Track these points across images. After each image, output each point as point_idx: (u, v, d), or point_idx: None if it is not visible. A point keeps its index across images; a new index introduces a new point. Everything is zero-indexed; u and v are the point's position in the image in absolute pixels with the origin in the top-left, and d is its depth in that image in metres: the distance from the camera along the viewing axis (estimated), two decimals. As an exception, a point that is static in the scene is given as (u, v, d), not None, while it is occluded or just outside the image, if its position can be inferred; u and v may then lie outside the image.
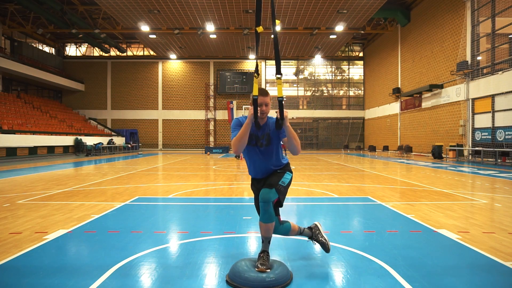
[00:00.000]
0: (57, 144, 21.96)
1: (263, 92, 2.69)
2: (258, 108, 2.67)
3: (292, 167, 13.53)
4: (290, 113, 31.76)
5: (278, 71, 2.61)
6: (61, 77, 29.75)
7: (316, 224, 3.23)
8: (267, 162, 2.85)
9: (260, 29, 2.65)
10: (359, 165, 14.94)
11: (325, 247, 3.11)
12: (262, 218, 2.72)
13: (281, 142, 2.87)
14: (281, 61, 32.82)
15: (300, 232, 3.14)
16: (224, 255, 3.28)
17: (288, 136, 2.67)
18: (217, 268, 2.97)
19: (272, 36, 2.70)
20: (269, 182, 2.78)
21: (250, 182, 3.08)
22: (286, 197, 3.04)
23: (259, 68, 2.73)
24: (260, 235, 3.42)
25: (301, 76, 34.12)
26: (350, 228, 4.38)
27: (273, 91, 28.25)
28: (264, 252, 2.79)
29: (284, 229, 3.02)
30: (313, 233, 3.17)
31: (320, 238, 3.13)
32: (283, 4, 19.52)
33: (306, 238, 3.31)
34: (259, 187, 2.93)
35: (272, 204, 2.72)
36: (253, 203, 3.11)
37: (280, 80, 2.61)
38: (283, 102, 2.60)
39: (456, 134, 18.17)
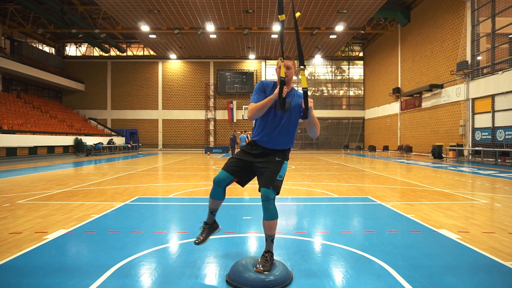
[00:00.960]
0: (57, 144, 21.96)
1: (287, 57, 2.72)
2: (279, 70, 2.68)
3: (292, 167, 13.53)
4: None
5: (302, 62, 2.65)
6: (61, 77, 29.75)
7: (219, 227, 3.19)
8: (278, 130, 2.78)
9: (282, 17, 2.66)
10: (359, 165, 14.94)
11: (198, 238, 3.02)
12: (264, 216, 2.73)
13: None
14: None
15: (211, 212, 3.06)
16: (224, 255, 3.28)
17: (311, 122, 2.70)
18: (217, 268, 2.97)
19: (294, 29, 2.71)
20: (267, 179, 2.71)
21: (241, 147, 3.00)
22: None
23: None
24: (260, 235, 3.41)
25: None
26: (350, 228, 4.38)
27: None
28: (269, 253, 2.78)
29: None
30: (210, 224, 3.10)
31: (205, 231, 3.07)
32: (283, 4, 19.49)
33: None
34: (252, 154, 2.83)
35: (273, 201, 2.72)
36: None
37: (304, 71, 2.64)
38: (307, 92, 2.62)
39: (456, 134, 18.17)
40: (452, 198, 6.40)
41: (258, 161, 2.82)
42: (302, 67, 2.63)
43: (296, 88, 2.87)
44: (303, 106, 2.64)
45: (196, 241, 2.99)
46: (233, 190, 7.51)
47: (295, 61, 2.82)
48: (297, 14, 2.68)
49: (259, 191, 2.74)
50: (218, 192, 2.89)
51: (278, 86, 2.63)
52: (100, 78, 32.97)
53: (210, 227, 3.09)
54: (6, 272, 2.87)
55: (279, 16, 2.68)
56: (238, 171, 2.84)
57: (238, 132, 23.99)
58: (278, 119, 2.78)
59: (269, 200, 2.69)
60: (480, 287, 2.61)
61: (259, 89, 2.81)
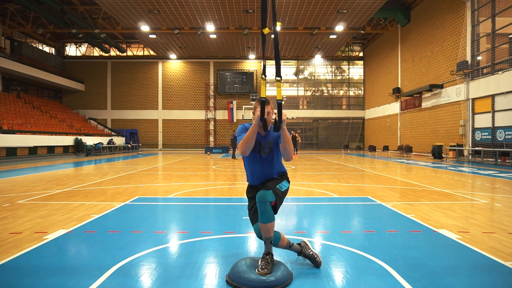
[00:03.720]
0: (57, 144, 21.96)
1: (266, 101, 2.71)
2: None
3: (292, 167, 13.53)
4: (290, 113, 31.77)
5: (278, 74, 2.61)
6: (61, 77, 29.75)
7: (305, 242, 3.12)
8: (267, 169, 2.89)
9: (266, 30, 2.66)
10: (359, 165, 14.94)
11: (316, 262, 2.99)
12: (261, 218, 2.71)
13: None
14: (281, 61, 33.13)
15: (289, 246, 3.03)
16: (224, 255, 3.28)
17: (282, 139, 2.68)
18: (217, 268, 2.97)
19: (273, 36, 2.71)
20: (266, 185, 2.80)
21: (246, 189, 3.09)
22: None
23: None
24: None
25: (301, 76, 34.12)
26: (350, 228, 4.38)
27: (272, 91, 28.27)
28: (269, 254, 2.78)
29: (275, 237, 2.92)
30: (302, 249, 3.07)
31: (310, 252, 3.03)
32: (283, 4, 19.52)
33: (296, 255, 3.19)
34: (254, 194, 2.91)
35: (269, 204, 2.71)
36: None
37: (280, 83, 2.61)
38: (282, 104, 2.61)
39: (456, 134, 18.17)
40: (452, 198, 6.40)
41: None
42: (278, 78, 2.60)
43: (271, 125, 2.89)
44: (276, 118, 2.63)
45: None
46: (233, 190, 7.51)
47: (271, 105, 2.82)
48: (278, 24, 2.70)
49: (257, 194, 2.75)
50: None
51: (259, 108, 2.66)
52: (100, 78, 32.97)
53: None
54: (6, 272, 2.87)
55: (262, 30, 2.67)
56: None
57: (233, 132, 23.96)
58: (264, 160, 2.86)
59: (265, 202, 2.68)
60: (480, 287, 2.61)
61: (242, 130, 2.82)
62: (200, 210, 5.44)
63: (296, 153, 19.90)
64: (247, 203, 3.02)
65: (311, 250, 3.05)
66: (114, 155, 24.20)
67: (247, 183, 3.05)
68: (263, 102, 2.65)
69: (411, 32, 23.27)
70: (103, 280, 2.68)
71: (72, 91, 32.56)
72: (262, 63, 2.74)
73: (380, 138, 29.11)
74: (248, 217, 2.97)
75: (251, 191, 2.99)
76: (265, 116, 2.68)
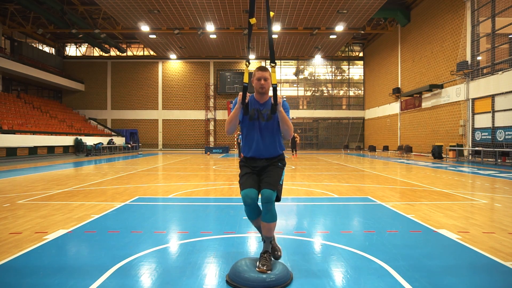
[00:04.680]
0: (57, 144, 21.96)
1: (262, 68, 2.79)
2: (258, 83, 2.78)
3: (292, 167, 13.53)
4: (290, 113, 31.72)
5: (272, 60, 2.71)
6: (61, 77, 29.75)
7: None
8: (267, 138, 2.83)
9: (253, 20, 2.72)
10: (359, 165, 14.94)
11: (274, 254, 2.92)
12: (265, 217, 2.75)
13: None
14: (281, 61, 33.19)
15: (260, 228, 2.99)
16: (224, 255, 3.28)
17: (280, 121, 2.75)
18: (217, 268, 2.97)
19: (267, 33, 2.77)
20: (271, 181, 2.75)
21: (241, 161, 2.97)
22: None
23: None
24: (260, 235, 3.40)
25: (301, 76, 34.12)
26: (350, 228, 4.38)
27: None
28: (267, 253, 2.80)
29: (258, 213, 2.88)
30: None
31: (273, 243, 2.98)
32: (283, 4, 19.52)
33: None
34: (254, 169, 2.85)
35: (274, 204, 2.76)
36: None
37: (274, 68, 2.70)
38: (276, 88, 2.69)
39: (456, 134, 18.17)
40: (452, 198, 6.40)
41: (264, 166, 2.88)
42: (272, 64, 2.70)
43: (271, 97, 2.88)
44: (272, 101, 2.71)
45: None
46: (233, 190, 7.51)
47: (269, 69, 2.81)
48: (271, 14, 2.73)
49: (261, 193, 2.75)
50: (252, 211, 2.83)
51: (241, 93, 2.74)
52: (100, 78, 32.97)
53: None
54: (6, 272, 2.87)
55: (250, 20, 2.72)
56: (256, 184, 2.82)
57: (238, 132, 24.00)
58: (263, 128, 2.83)
59: (271, 202, 2.72)
60: (480, 287, 2.61)
61: (235, 104, 2.85)
62: (200, 210, 5.44)
63: (296, 154, 19.85)
64: (239, 172, 2.94)
65: (275, 242, 3.00)
66: (114, 155, 24.20)
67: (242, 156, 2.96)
68: (245, 87, 2.74)
69: (411, 32, 23.27)
70: (103, 280, 2.68)
71: (72, 91, 32.56)
72: (248, 51, 2.82)
73: (380, 138, 29.10)
74: (240, 187, 2.82)
75: (249, 163, 2.89)
76: (262, 82, 2.76)
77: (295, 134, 19.20)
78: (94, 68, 32.93)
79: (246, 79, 2.77)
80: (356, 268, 2.95)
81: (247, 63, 2.83)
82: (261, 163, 2.87)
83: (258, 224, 2.91)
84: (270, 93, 2.83)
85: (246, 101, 2.78)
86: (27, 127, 20.55)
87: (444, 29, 19.30)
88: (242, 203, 2.81)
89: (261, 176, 2.85)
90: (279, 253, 2.95)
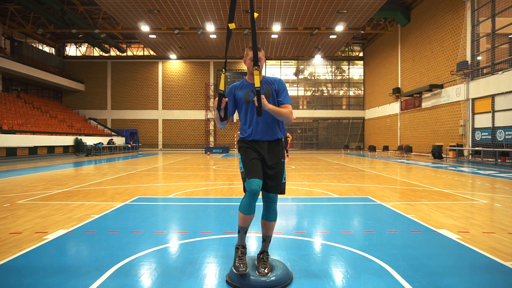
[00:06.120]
0: (57, 144, 21.95)
1: (257, 48, 2.76)
2: (250, 63, 2.77)
3: (292, 167, 13.53)
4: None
5: (256, 63, 2.67)
6: (61, 77, 29.74)
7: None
8: (268, 119, 2.76)
9: (232, 25, 2.73)
10: (359, 165, 14.94)
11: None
12: (267, 216, 2.78)
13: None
14: (281, 61, 33.19)
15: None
16: (224, 255, 3.28)
17: (273, 115, 2.69)
18: (217, 268, 2.97)
19: (250, 23, 2.79)
20: (277, 184, 2.74)
21: (240, 145, 2.86)
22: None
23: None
24: (259, 235, 3.41)
25: (301, 76, 34.11)
26: (350, 228, 4.38)
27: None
28: (264, 253, 2.80)
29: (253, 210, 2.72)
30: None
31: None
32: (283, 4, 19.52)
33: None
34: (260, 156, 2.74)
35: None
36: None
37: (257, 71, 2.65)
38: (260, 91, 2.62)
39: (456, 134, 18.17)
40: (452, 198, 6.40)
41: (269, 161, 2.76)
42: (256, 67, 2.66)
43: (265, 76, 2.87)
44: (256, 103, 2.62)
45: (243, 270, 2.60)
46: (233, 190, 7.51)
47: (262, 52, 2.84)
48: (256, 15, 2.71)
49: (267, 193, 2.75)
50: (253, 204, 2.65)
51: (217, 99, 2.72)
52: (100, 78, 32.96)
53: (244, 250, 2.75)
54: (6, 272, 2.87)
55: (229, 24, 2.71)
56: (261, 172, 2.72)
57: (238, 132, 24.00)
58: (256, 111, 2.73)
59: (276, 202, 2.79)
60: (480, 287, 2.61)
61: (227, 94, 2.86)
62: (200, 210, 5.44)
63: (287, 155, 19.49)
64: (240, 157, 2.80)
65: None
66: (114, 155, 24.20)
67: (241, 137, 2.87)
68: (221, 95, 2.72)
69: (411, 32, 23.26)
70: (103, 280, 2.68)
71: (72, 91, 32.55)
72: (225, 59, 2.88)
73: (380, 138, 29.10)
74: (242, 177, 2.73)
75: (252, 145, 2.77)
76: (259, 63, 2.72)
77: (288, 133, 18.82)
78: (94, 68, 32.93)
79: (222, 86, 2.73)
80: (356, 268, 2.95)
81: (223, 70, 2.84)
82: (264, 145, 2.77)
83: (250, 221, 2.69)
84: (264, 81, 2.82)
85: (223, 105, 2.73)
86: (27, 127, 20.55)
87: (444, 29, 19.30)
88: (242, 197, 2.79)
89: (265, 169, 2.73)
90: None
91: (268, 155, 2.75)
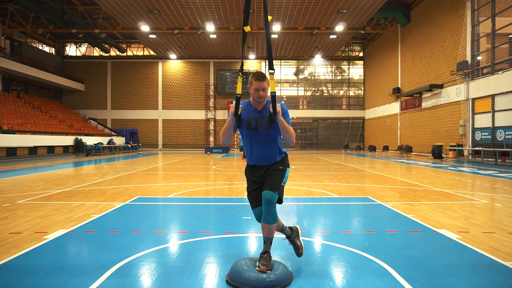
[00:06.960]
0: (57, 144, 21.95)
1: (260, 77, 2.69)
2: (255, 93, 2.71)
3: (292, 167, 13.52)
4: (290, 113, 31.71)
5: (271, 67, 2.64)
6: (61, 77, 29.75)
7: (297, 227, 3.17)
8: (268, 147, 2.79)
9: (247, 28, 2.69)
10: (359, 165, 14.94)
11: (298, 251, 3.05)
12: (265, 219, 2.73)
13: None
14: (281, 61, 33.19)
15: (282, 229, 3.07)
16: (224, 255, 3.28)
17: (281, 128, 2.69)
18: (217, 268, 2.97)
19: (265, 29, 2.73)
20: (272, 183, 2.74)
21: (245, 168, 2.99)
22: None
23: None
24: (260, 235, 3.42)
25: (301, 76, 34.12)
26: (350, 228, 4.38)
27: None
28: (266, 253, 2.79)
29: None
30: (292, 233, 3.11)
31: (296, 241, 3.08)
32: (283, 4, 19.52)
33: (284, 236, 3.23)
34: (257, 179, 2.85)
35: (275, 205, 2.74)
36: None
37: (273, 75, 2.62)
38: (275, 96, 2.62)
39: (456, 134, 18.17)
40: (452, 198, 6.40)
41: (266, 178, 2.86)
42: (271, 71, 2.63)
43: (268, 99, 2.82)
44: (271, 110, 2.62)
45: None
46: (233, 190, 7.51)
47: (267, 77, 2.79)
48: (270, 18, 2.69)
49: (263, 194, 2.74)
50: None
51: (234, 103, 2.69)
52: (100, 78, 32.97)
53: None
54: (6, 272, 2.87)
55: (244, 27, 2.70)
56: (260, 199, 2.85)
57: (238, 132, 23.99)
58: (263, 137, 2.78)
59: (272, 204, 2.71)
60: (480, 287, 2.60)
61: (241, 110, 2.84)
62: (200, 210, 5.44)
63: None
64: (246, 185, 2.97)
65: (299, 240, 3.09)
66: (114, 155, 24.20)
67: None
68: (238, 99, 2.69)
69: (411, 32, 23.27)
70: (103, 280, 2.68)
71: (72, 91, 32.56)
72: (241, 61, 2.80)
73: (380, 138, 29.11)
74: (248, 218, 2.94)
75: (254, 172, 2.88)
76: (261, 93, 2.69)
77: None
78: (94, 68, 32.93)
79: (239, 90, 2.69)
80: (356, 268, 2.95)
81: (240, 74, 2.76)
82: (263, 170, 2.85)
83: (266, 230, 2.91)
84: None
85: (240, 111, 2.72)
86: (27, 127, 20.55)
87: (444, 29, 19.30)
88: (242, 204, 2.82)
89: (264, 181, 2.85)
90: (301, 251, 3.04)
91: (266, 178, 2.83)
